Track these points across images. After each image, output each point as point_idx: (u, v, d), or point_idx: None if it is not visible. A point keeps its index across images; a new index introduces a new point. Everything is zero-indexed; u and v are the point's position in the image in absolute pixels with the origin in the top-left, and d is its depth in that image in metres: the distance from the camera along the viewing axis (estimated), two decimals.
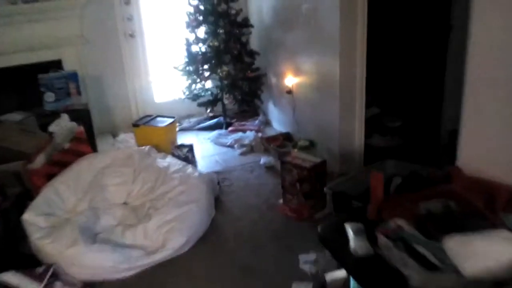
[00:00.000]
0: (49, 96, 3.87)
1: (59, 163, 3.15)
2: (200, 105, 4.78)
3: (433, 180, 2.21)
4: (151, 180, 3.17)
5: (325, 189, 2.90)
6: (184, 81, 4.68)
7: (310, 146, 4.00)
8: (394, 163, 3.17)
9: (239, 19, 4.57)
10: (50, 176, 3.04)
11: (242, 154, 4.27)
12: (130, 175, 3.19)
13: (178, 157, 3.63)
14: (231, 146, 4.45)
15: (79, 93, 4.00)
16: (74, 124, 3.43)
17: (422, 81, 4.52)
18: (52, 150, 3.21)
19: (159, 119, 4.12)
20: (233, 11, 4.47)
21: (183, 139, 4.55)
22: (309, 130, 4.18)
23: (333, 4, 3.38)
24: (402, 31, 4.50)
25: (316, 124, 4.02)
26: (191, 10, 4.47)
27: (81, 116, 3.78)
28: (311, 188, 3.10)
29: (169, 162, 3.39)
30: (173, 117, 4.15)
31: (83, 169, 3.14)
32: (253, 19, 4.79)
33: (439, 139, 4.17)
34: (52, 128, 3.37)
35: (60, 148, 3.24)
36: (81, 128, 3.40)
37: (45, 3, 4.22)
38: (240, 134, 4.65)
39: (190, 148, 3.81)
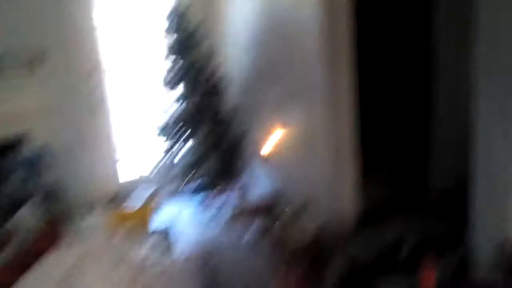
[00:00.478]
0: (13, 181, 3.37)
1: (21, 266, 2.69)
2: (179, 172, 4.40)
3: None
4: (130, 275, 2.73)
5: (333, 263, 2.56)
6: (160, 147, 4.35)
7: (301, 211, 3.64)
8: (400, 221, 2.92)
9: (216, 76, 4.32)
10: (9, 284, 2.57)
11: (226, 225, 3.89)
12: (105, 271, 2.75)
13: (156, 242, 3.22)
14: (214, 216, 4.07)
15: (46, 174, 3.55)
16: (38, 216, 2.99)
17: (406, 128, 4.32)
18: (12, 251, 2.76)
19: (133, 196, 3.73)
20: (209, 70, 4.24)
21: (161, 209, 4.16)
22: (297, 191, 3.84)
23: (314, 55, 3.16)
24: (384, 74, 4.35)
25: (305, 185, 3.72)
26: (166, 67, 4.21)
27: (50, 199, 3.34)
28: (311, 261, 2.76)
29: (148, 250, 2.99)
30: (149, 194, 3.76)
31: (50, 270, 2.69)
32: (232, 75, 4.55)
33: (428, 189, 3.90)
34: (11, 224, 2.93)
35: (21, 247, 2.79)
36: (48, 220, 2.96)
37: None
38: (223, 200, 4.28)
39: (167, 231, 3.43)
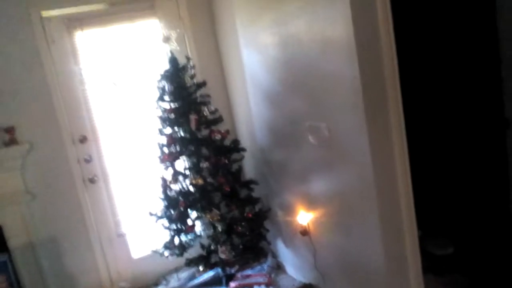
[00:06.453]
0: None
1: None
2: (189, 263, 3.60)
3: None
4: None
5: None
6: (164, 232, 3.54)
7: None
8: None
9: (226, 143, 3.54)
10: None
11: None
12: None
13: None
14: None
15: (11, 286, 2.84)
16: None
17: (477, 191, 3.48)
18: None
19: None
20: (217, 136, 3.46)
21: None
22: (337, 278, 3.06)
23: (356, 120, 2.38)
24: (447, 130, 3.59)
25: (348, 269, 2.93)
26: (164, 141, 3.46)
27: None
28: None
29: None
30: None
31: None
32: (244, 141, 3.78)
33: None
34: None
35: None
36: None
37: None
38: None
39: None
